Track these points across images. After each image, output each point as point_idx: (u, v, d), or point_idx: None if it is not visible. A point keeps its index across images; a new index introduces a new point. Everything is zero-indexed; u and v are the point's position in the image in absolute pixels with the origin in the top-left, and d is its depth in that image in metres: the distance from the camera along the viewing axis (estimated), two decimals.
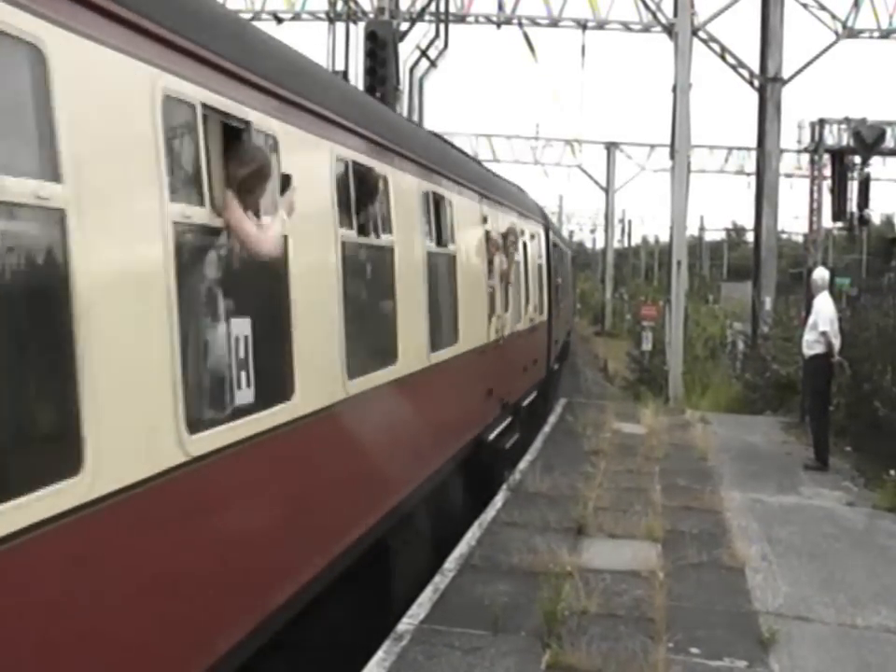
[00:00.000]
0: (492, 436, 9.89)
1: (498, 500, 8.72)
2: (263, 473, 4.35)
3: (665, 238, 42.11)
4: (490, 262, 9.89)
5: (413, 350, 6.83)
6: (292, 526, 4.67)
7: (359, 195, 5.77)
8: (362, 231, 5.85)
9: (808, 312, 11.68)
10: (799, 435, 12.76)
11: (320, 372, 4.99)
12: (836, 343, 10.73)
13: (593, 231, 71.41)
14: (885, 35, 22.65)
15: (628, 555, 7.02)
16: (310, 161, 5.07)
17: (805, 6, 21.52)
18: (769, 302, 20.18)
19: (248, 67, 4.27)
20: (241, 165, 4.03)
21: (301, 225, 4.60)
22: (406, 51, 17.20)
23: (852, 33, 22.03)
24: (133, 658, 3.35)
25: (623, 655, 5.22)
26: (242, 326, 4.15)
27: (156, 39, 3.52)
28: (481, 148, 43.48)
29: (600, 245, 62.84)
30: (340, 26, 13.70)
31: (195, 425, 3.65)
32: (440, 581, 6.42)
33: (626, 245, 72.35)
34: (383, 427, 6.21)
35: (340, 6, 16.98)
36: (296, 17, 23.83)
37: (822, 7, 21.71)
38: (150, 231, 3.44)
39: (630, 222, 70.20)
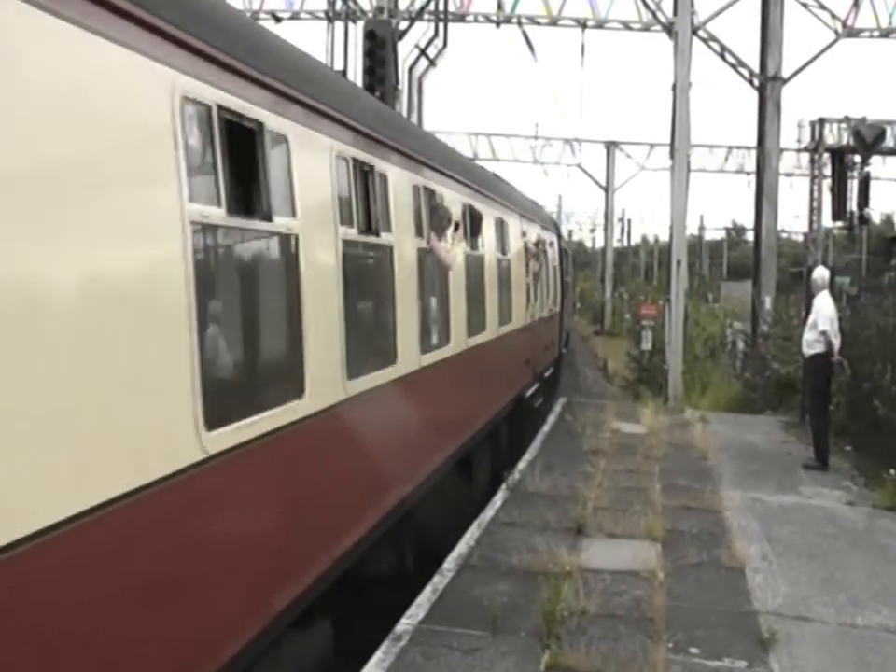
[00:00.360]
0: (528, 394, 13.31)
1: (497, 500, 8.71)
2: (435, 388, 7.59)
3: (664, 237, 42.09)
4: (527, 265, 13.19)
5: (491, 324, 10.17)
6: (450, 424, 8.31)
7: (471, 226, 9.17)
8: (474, 247, 9.40)
9: (808, 311, 11.67)
10: (799, 434, 12.74)
11: (460, 330, 8.46)
12: (836, 342, 10.72)
13: (592, 231, 71.43)
14: (885, 34, 22.61)
15: (628, 555, 7.00)
16: (455, 209, 8.33)
17: (804, 5, 21.50)
18: (769, 302, 20.16)
19: (448, 167, 8.52)
20: (440, 219, 7.61)
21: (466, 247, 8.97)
22: (405, 50, 17.21)
23: (852, 32, 22.00)
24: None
25: (622, 655, 5.20)
26: (433, 300, 7.72)
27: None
28: (480, 148, 43.48)
29: (600, 244, 62.86)
30: (339, 25, 13.68)
31: (425, 350, 7.26)
32: (438, 582, 6.40)
33: (626, 244, 72.35)
34: (476, 373, 9.49)
35: (339, 5, 16.95)
36: (294, 16, 23.79)
37: (822, 7, 21.69)
38: (413, 254, 7.01)
39: (630, 221, 70.24)
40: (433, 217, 7.53)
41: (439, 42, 16.81)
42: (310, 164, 4.93)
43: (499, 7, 23.31)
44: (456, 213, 8.25)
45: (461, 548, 7.19)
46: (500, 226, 11.09)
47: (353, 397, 5.37)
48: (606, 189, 47.81)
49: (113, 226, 3.21)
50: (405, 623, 5.65)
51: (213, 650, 3.76)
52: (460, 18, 23.09)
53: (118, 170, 3.26)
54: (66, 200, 2.95)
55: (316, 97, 5.05)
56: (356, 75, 11.26)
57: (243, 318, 4.49)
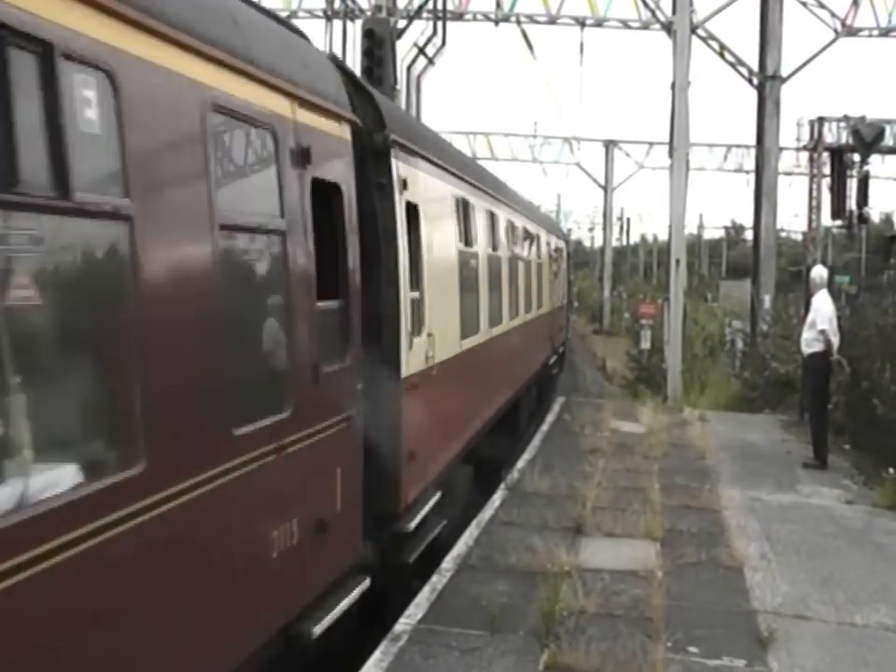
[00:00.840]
0: (550, 362, 18.64)
1: (496, 499, 8.70)
2: (521, 337, 13.18)
3: (663, 236, 42.08)
4: (550, 266, 18.06)
5: (535, 306, 14.98)
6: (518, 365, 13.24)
7: (528, 244, 13.94)
8: (529, 254, 14.03)
9: (807, 310, 11.66)
10: (798, 433, 12.75)
11: (525, 307, 13.47)
12: (835, 341, 10.71)
13: (591, 230, 71.38)
14: (884, 32, 22.60)
15: (627, 555, 7.00)
16: (523, 232, 13.53)
17: (804, 3, 21.48)
18: (768, 301, 20.15)
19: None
20: (519, 238, 12.78)
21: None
22: (404, 49, 17.17)
23: (851, 31, 21.98)
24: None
25: (621, 655, 5.20)
26: (518, 288, 12.89)
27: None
28: (479, 147, 43.42)
29: (598, 243, 62.80)
30: (337, 24, 13.65)
31: (516, 316, 12.75)
32: (437, 581, 6.40)
33: (625, 243, 72.34)
34: (530, 338, 14.55)
35: (337, 4, 16.93)
36: (292, 14, 23.71)
37: (821, 5, 21.67)
38: (512, 261, 12.28)
39: (629, 220, 70.17)
40: (515, 237, 12.57)
41: (437, 41, 16.77)
42: (483, 219, 10.11)
43: (498, 5, 23.28)
44: (524, 234, 13.66)
45: (459, 547, 7.18)
46: (538, 239, 15.79)
47: (508, 330, 11.47)
48: (604, 188, 47.79)
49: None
50: (404, 623, 5.65)
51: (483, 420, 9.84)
52: (459, 16, 23.06)
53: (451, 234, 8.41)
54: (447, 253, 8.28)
55: (487, 186, 10.60)
56: None
57: (495, 287, 10.43)
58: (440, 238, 7.66)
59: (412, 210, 6.71)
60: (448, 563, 6.80)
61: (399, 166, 6.45)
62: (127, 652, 3.19)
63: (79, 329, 3.15)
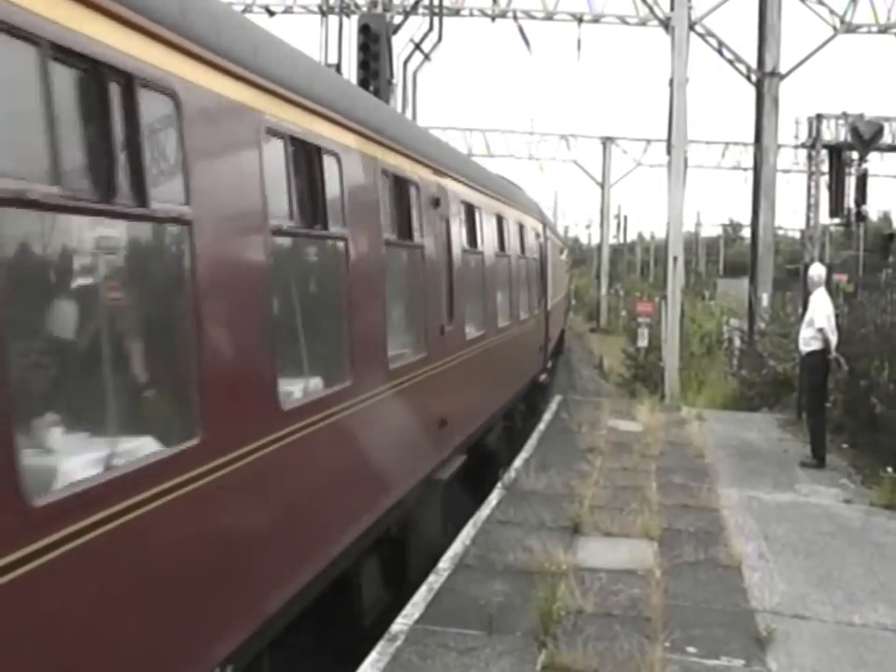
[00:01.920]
0: (565, 328, 28.11)
1: (493, 499, 8.65)
2: (557, 310, 23.94)
3: (660, 234, 42.17)
4: (565, 266, 27.80)
5: (556, 295, 21.66)
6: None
7: (560, 255, 26.05)
8: (561, 260, 27.22)
9: (805, 308, 11.63)
10: (796, 432, 12.72)
11: (557, 292, 22.92)
12: (833, 339, 10.68)
13: (588, 227, 71.42)
14: (883, 30, 22.52)
15: (624, 554, 6.97)
16: (557, 246, 25.90)
17: (802, 0, 21.43)
18: (766, 299, 20.09)
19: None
20: (556, 249, 24.61)
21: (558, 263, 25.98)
22: (400, 45, 17.05)
23: (850, 27, 21.91)
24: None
25: (619, 655, 5.17)
26: (560, 280, 25.68)
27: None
28: (475, 144, 43.37)
29: (595, 240, 62.82)
30: (333, 19, 13.58)
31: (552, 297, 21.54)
32: (434, 581, 6.36)
33: (622, 240, 72.36)
34: (560, 312, 25.09)
35: None
36: (288, 10, 23.61)
37: (820, 2, 21.61)
38: (557, 265, 24.70)
39: (626, 218, 70.22)
40: (558, 251, 22.52)
41: (434, 36, 16.67)
42: (555, 247, 23.64)
43: (495, 1, 23.21)
44: (561, 250, 26.03)
45: (456, 547, 7.14)
46: (563, 251, 25.61)
47: (557, 302, 21.88)
48: (602, 185, 47.75)
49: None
50: (401, 623, 5.61)
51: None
52: (455, 12, 22.96)
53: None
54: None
55: (554, 230, 24.45)
56: (350, 69, 11.17)
57: (555, 278, 21.26)
58: (549, 256, 17.92)
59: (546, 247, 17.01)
60: (445, 562, 6.77)
61: (546, 233, 17.29)
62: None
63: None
